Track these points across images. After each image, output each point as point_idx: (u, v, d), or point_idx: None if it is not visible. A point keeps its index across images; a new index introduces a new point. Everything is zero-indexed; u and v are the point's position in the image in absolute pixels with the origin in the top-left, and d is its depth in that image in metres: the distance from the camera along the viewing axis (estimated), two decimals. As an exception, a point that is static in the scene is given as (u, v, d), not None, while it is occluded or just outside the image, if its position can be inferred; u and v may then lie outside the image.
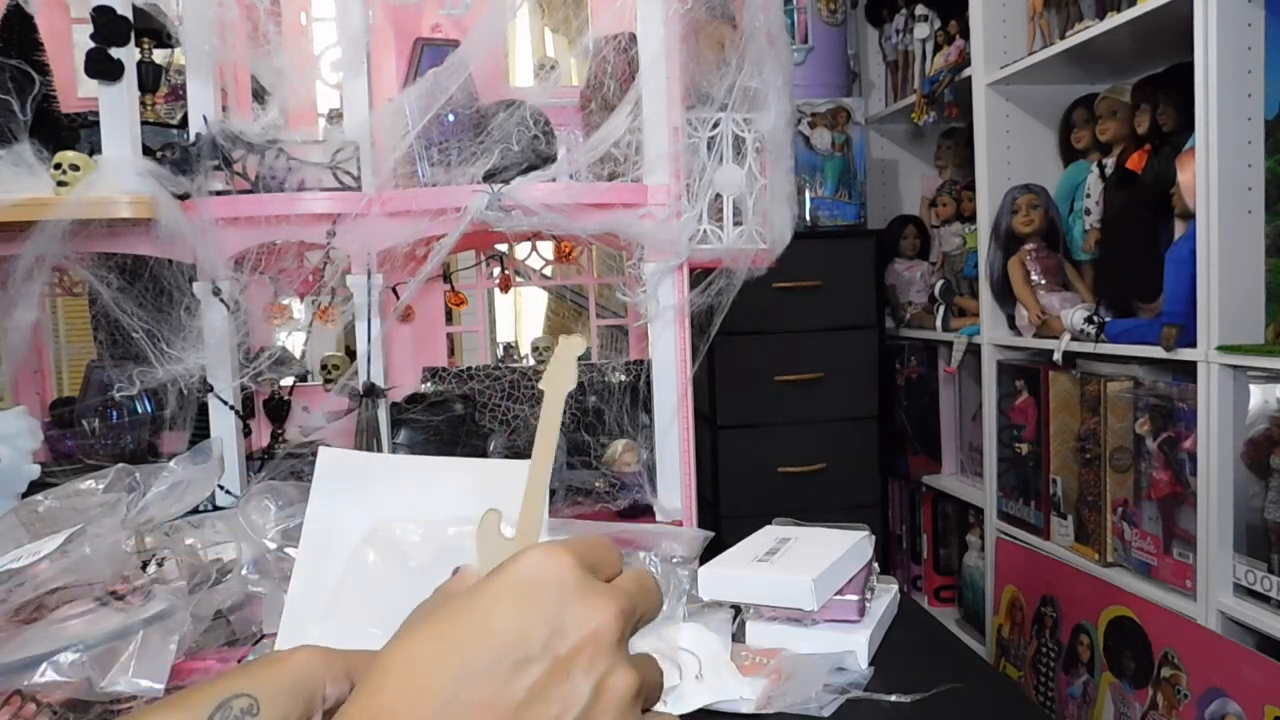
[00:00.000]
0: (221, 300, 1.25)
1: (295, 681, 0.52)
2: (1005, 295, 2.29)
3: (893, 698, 0.91)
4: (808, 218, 2.87)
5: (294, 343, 1.41)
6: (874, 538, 1.13)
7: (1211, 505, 1.64)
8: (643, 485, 1.35)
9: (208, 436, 1.27)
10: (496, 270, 1.77)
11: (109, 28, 1.21)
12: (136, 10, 1.28)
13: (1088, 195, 2.17)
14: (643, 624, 0.49)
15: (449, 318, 1.83)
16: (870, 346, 2.76)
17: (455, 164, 1.24)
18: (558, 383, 0.80)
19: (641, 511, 1.33)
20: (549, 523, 1.05)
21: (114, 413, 1.41)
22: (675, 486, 1.33)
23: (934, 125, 2.75)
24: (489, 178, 1.22)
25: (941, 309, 2.70)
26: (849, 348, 2.73)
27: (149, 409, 1.41)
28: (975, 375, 2.53)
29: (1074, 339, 2.02)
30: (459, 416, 1.47)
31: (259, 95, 1.47)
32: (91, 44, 1.21)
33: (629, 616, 0.46)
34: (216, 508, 1.24)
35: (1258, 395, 1.61)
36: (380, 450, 1.29)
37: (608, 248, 1.48)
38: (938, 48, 2.67)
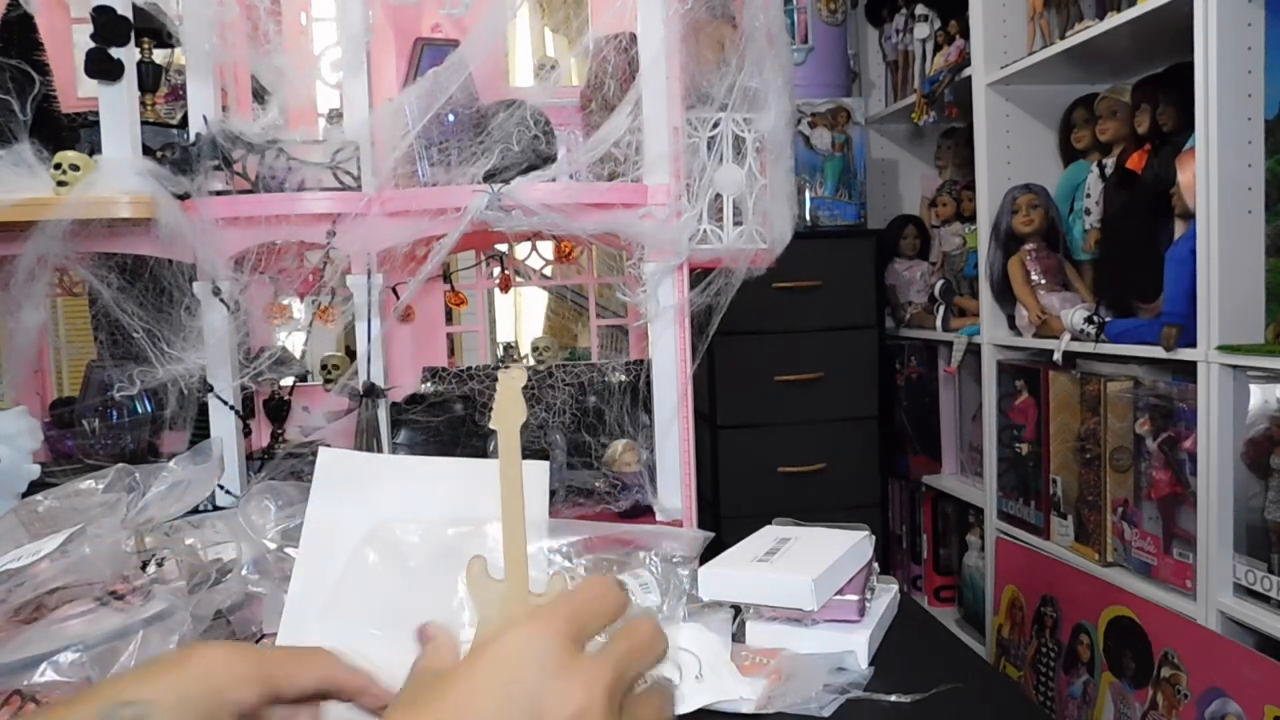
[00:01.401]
0: (221, 300, 1.25)
1: (195, 687, 0.49)
2: (1005, 295, 2.29)
3: (893, 698, 0.91)
4: (808, 218, 2.86)
5: (294, 343, 1.41)
6: (874, 538, 1.13)
7: (1211, 505, 1.64)
8: (643, 485, 1.35)
9: (208, 436, 1.27)
10: (496, 270, 1.77)
11: (109, 28, 1.21)
12: (136, 10, 1.28)
13: (1088, 195, 2.17)
14: (641, 677, 0.48)
15: (449, 318, 1.83)
16: (870, 346, 2.76)
17: (455, 164, 1.24)
18: (507, 418, 0.79)
19: (642, 511, 1.33)
20: (548, 524, 1.05)
21: (114, 413, 1.41)
22: (675, 486, 1.33)
23: (934, 125, 2.75)
24: (489, 178, 1.22)
25: (941, 309, 2.70)
26: (849, 348, 2.73)
27: (149, 409, 1.41)
28: (975, 375, 2.53)
29: (1074, 339, 2.02)
30: (459, 417, 1.47)
31: (259, 95, 1.47)
32: (91, 44, 1.21)
33: (617, 687, 0.45)
34: (216, 508, 1.24)
35: (1258, 395, 1.61)
36: (380, 450, 1.29)
37: (608, 248, 1.48)
38: (938, 48, 2.67)
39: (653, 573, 1.02)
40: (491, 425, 0.73)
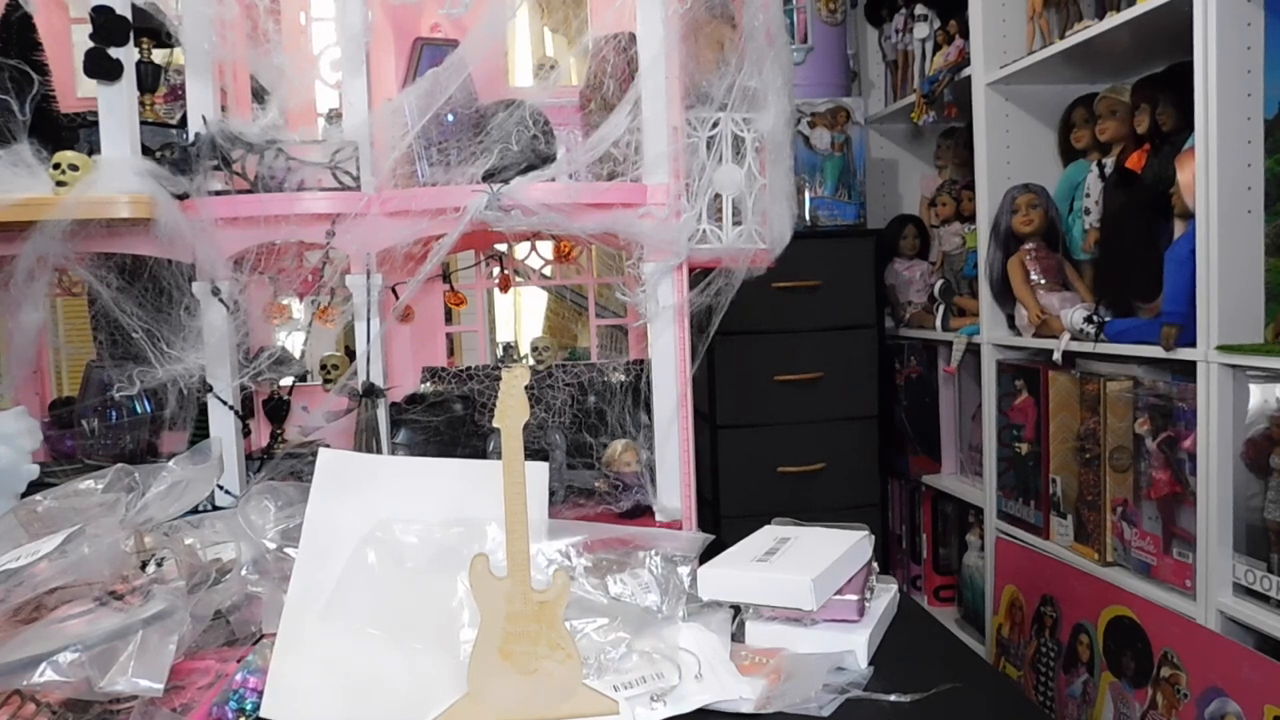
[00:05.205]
0: (221, 300, 1.25)
1: None
2: (1005, 295, 2.29)
3: (892, 698, 0.91)
4: (807, 217, 2.86)
5: (293, 343, 1.41)
6: (873, 538, 1.13)
7: (1211, 505, 1.64)
8: (643, 485, 1.35)
9: (207, 436, 1.27)
10: (496, 270, 1.77)
11: (108, 27, 1.21)
12: (135, 10, 1.28)
13: (1087, 195, 2.17)
14: None
15: (448, 318, 1.83)
16: (870, 346, 2.76)
17: (455, 164, 1.24)
18: (510, 417, 0.79)
19: (642, 512, 1.33)
20: (548, 524, 1.05)
21: (113, 413, 1.41)
22: (675, 487, 1.33)
23: (934, 125, 2.75)
24: (488, 178, 1.22)
25: (941, 309, 2.70)
26: (848, 347, 2.73)
27: (149, 409, 1.41)
28: (975, 375, 2.53)
29: (1074, 339, 2.02)
30: (459, 416, 1.47)
31: (259, 95, 1.47)
32: (91, 44, 1.21)
33: None
34: (216, 508, 1.24)
35: (1257, 395, 1.60)
36: (380, 450, 1.29)
37: (607, 247, 1.48)
38: (937, 47, 2.66)
39: (653, 573, 1.02)
40: (495, 423, 0.73)
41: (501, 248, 1.76)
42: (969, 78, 2.41)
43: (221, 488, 1.28)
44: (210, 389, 1.28)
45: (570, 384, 1.59)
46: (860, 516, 1.54)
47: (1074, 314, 2.02)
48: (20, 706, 0.83)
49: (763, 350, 2.67)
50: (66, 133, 1.41)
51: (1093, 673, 1.97)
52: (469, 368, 1.65)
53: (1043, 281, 2.20)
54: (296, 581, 0.97)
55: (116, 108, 1.24)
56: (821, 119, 2.87)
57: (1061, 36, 2.07)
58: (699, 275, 1.36)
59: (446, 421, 1.43)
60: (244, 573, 1.03)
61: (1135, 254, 1.91)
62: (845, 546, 1.06)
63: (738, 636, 1.03)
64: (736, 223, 1.35)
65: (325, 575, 0.97)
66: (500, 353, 2.05)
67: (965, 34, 2.47)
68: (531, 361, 1.62)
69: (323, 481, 1.03)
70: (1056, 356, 2.06)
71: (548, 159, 1.27)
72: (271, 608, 1.00)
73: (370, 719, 0.90)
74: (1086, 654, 1.99)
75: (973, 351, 2.53)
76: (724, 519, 2.65)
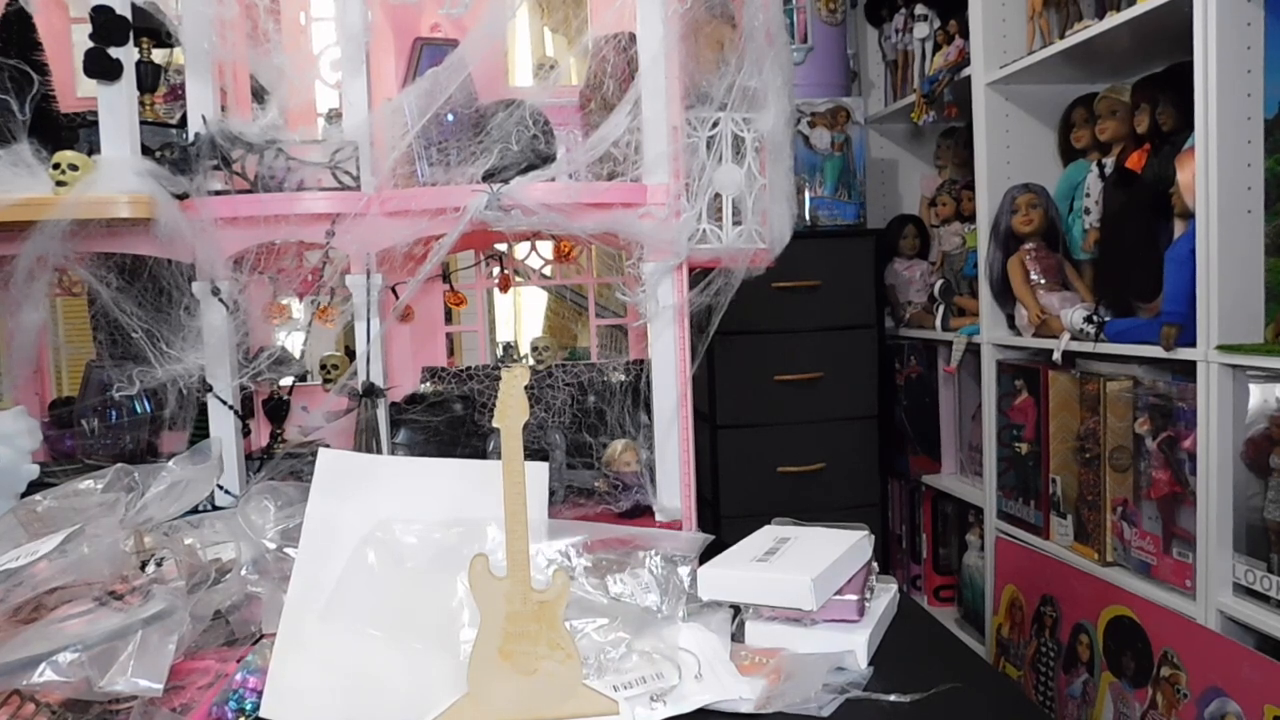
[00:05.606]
0: (220, 300, 1.25)
1: None
2: (1005, 295, 2.29)
3: (892, 697, 0.91)
4: (807, 217, 2.86)
5: (293, 343, 1.41)
6: (873, 537, 1.13)
7: (1211, 505, 1.64)
8: (643, 485, 1.35)
9: (207, 436, 1.27)
10: (496, 270, 1.77)
11: (108, 27, 1.21)
12: (135, 9, 1.28)
13: (1087, 195, 2.17)
14: None
15: (448, 318, 1.83)
16: (870, 346, 2.76)
17: (455, 164, 1.24)
18: (509, 417, 0.79)
19: (642, 512, 1.33)
20: (548, 524, 1.05)
21: (113, 413, 1.41)
22: (675, 487, 1.33)
23: (933, 125, 2.75)
24: (488, 177, 1.22)
25: (941, 309, 2.70)
26: (848, 347, 2.73)
27: (148, 409, 1.41)
28: (975, 375, 2.53)
29: (1074, 338, 2.02)
30: (459, 416, 1.47)
31: (258, 95, 1.47)
32: (90, 44, 1.21)
33: None
34: (216, 508, 1.24)
35: (1257, 395, 1.60)
36: (380, 450, 1.29)
37: (607, 247, 1.48)
38: (937, 47, 2.66)
39: (653, 573, 1.02)
40: (495, 423, 0.73)
41: (501, 248, 1.76)
42: (969, 78, 2.41)
43: (221, 488, 1.28)
44: (210, 389, 1.28)
45: (570, 384, 1.59)
46: (860, 516, 1.54)
47: (1074, 314, 2.02)
48: (20, 706, 0.83)
49: (763, 350, 2.67)
50: (66, 132, 1.41)
51: (1093, 673, 1.97)
52: (469, 368, 1.65)
53: (1043, 281, 2.20)
54: (296, 581, 0.97)
55: (116, 108, 1.24)
56: (821, 119, 2.87)
57: (1061, 36, 2.07)
58: (699, 275, 1.36)
59: (446, 421, 1.43)
60: (244, 573, 1.03)
61: (1135, 254, 1.91)
62: (845, 546, 1.06)
63: (738, 636, 1.03)
64: (736, 223, 1.35)
65: (325, 575, 0.97)
66: (500, 353, 2.04)
67: (965, 34, 2.47)
68: (531, 361, 1.62)
69: (323, 481, 1.03)
70: (1056, 356, 2.06)
71: (548, 159, 1.27)
72: (271, 608, 1.00)
73: (370, 719, 0.90)
74: (1086, 654, 1.99)
75: (973, 351, 2.53)
76: (724, 519, 2.65)
